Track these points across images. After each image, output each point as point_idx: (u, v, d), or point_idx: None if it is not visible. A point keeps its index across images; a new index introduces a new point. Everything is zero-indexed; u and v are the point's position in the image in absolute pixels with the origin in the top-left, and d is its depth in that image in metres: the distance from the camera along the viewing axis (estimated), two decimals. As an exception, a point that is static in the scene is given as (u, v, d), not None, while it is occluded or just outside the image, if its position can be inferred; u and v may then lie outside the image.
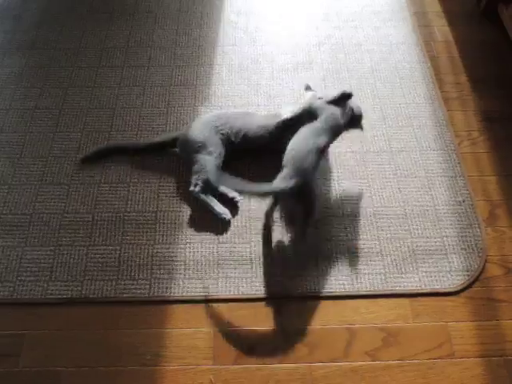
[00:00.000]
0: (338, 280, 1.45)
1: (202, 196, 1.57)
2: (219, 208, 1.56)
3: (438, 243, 1.52)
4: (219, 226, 1.56)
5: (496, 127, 1.65)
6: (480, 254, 1.50)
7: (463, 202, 1.58)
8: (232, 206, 1.58)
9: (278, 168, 1.42)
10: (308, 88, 1.71)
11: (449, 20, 2.16)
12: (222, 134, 1.63)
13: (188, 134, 1.64)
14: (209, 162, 1.57)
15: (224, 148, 1.62)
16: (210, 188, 1.57)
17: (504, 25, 2.03)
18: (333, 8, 2.24)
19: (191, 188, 1.57)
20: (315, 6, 2.26)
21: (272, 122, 1.63)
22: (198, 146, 1.60)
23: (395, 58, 2.02)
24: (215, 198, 1.58)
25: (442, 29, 2.02)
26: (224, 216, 1.55)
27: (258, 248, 1.51)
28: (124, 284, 1.45)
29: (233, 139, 1.63)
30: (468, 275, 1.46)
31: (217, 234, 1.54)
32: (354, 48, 2.07)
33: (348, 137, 1.75)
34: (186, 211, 1.59)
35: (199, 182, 1.56)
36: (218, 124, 1.64)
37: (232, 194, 1.58)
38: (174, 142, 1.69)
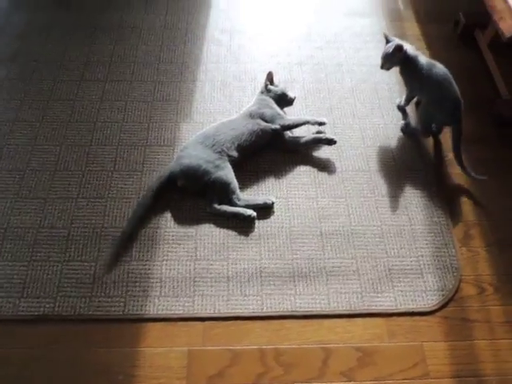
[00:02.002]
0: (315, 299, 1.45)
1: (232, 208, 1.60)
2: (243, 210, 1.59)
3: (413, 263, 1.54)
4: (197, 243, 1.55)
5: (470, 149, 1.69)
6: (455, 274, 1.52)
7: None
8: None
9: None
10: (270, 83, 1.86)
11: (427, 43, 2.21)
12: (218, 152, 1.63)
13: (185, 163, 1.61)
14: (228, 175, 1.60)
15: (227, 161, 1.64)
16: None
17: (480, 49, 2.10)
18: (315, 29, 2.29)
19: (235, 201, 1.60)
20: (298, 26, 2.30)
21: (258, 120, 1.72)
22: (202, 169, 1.59)
23: (375, 79, 2.06)
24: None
25: (420, 52, 2.06)
26: (250, 214, 1.58)
27: (234, 265, 1.51)
28: (98, 301, 1.42)
29: (230, 154, 1.64)
30: (443, 295, 1.47)
31: (194, 251, 1.53)
32: (334, 68, 2.11)
33: (327, 155, 1.78)
34: (164, 227, 1.58)
35: (237, 197, 1.60)
36: (208, 144, 1.64)
37: (259, 200, 1.63)
38: (168, 181, 1.62)
